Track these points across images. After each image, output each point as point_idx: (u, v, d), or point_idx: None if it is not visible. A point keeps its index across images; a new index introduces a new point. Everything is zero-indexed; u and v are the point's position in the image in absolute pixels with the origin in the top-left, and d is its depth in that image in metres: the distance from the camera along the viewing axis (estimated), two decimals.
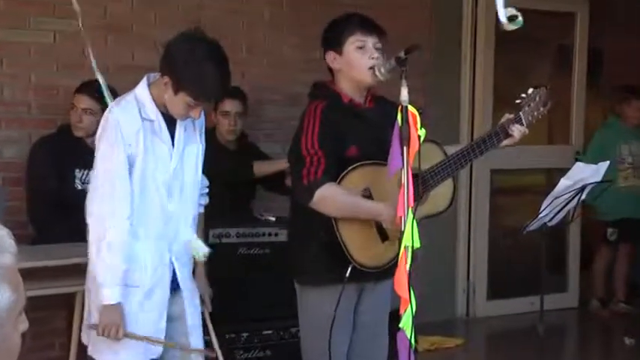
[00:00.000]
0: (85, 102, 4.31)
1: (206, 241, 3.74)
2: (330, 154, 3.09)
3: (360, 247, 3.11)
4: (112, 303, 2.97)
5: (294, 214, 3.34)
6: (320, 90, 3.31)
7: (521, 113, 3.23)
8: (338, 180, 3.08)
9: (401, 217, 2.69)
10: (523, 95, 3.26)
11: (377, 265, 3.15)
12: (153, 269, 3.08)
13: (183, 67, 2.92)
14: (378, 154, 3.03)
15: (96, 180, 3.03)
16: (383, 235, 3.14)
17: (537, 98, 3.26)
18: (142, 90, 3.06)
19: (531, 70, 6.74)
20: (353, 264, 3.08)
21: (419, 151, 2.71)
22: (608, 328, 6.35)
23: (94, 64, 3.10)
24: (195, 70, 2.92)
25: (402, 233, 2.67)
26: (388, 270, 3.03)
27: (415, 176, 2.79)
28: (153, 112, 3.03)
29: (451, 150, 3.24)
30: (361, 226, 3.12)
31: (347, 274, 3.07)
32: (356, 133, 3.17)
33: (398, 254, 2.90)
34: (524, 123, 3.22)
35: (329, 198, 3.06)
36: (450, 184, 3.29)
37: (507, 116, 3.25)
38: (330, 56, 3.25)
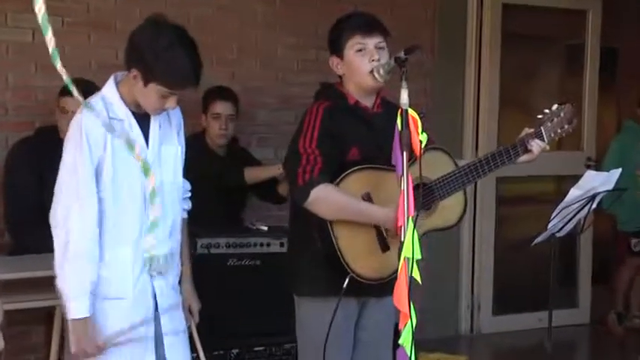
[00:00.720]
0: (75, 104, 4.32)
1: (194, 251, 3.77)
2: (328, 154, 3.12)
3: (359, 257, 3.13)
4: (80, 317, 2.94)
5: (293, 220, 3.37)
6: (326, 90, 3.35)
7: (542, 128, 3.25)
8: (336, 182, 3.11)
9: (401, 227, 2.71)
10: (546, 110, 3.29)
11: (377, 277, 3.16)
12: (134, 279, 3.06)
13: (151, 56, 2.89)
14: (382, 159, 3.05)
15: (59, 188, 3.00)
16: (384, 244, 3.15)
17: (562, 114, 3.29)
18: (109, 89, 3.05)
19: (540, 72, 6.77)
20: (351, 275, 3.10)
21: (420, 157, 2.73)
22: (621, 345, 6.35)
23: (58, 65, 3.13)
24: (164, 56, 2.88)
25: (401, 243, 2.69)
26: (392, 285, 3.06)
27: (419, 186, 2.81)
28: (122, 111, 3.02)
29: (462, 162, 3.28)
30: (360, 234, 3.13)
31: (344, 286, 3.09)
32: (359, 136, 3.20)
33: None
34: (545, 139, 3.25)
35: (325, 198, 3.08)
36: (460, 198, 3.31)
37: (527, 130, 3.27)
38: (333, 62, 3.29)
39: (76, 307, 2.94)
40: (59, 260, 2.96)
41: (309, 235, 3.18)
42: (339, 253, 3.10)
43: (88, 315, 2.94)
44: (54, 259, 2.98)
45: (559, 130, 3.29)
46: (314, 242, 3.17)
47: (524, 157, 3.25)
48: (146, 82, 2.93)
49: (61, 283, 2.96)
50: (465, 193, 3.34)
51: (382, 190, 3.11)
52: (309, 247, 3.21)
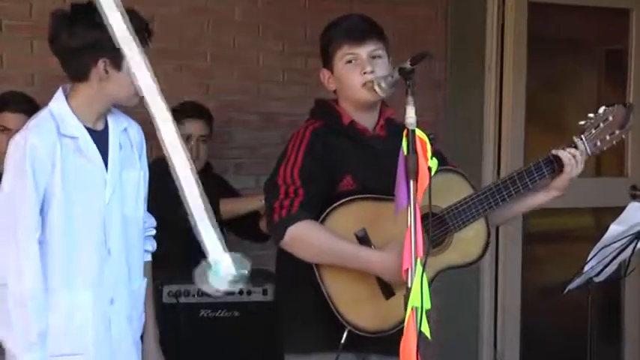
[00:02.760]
0: (13, 120, 4.32)
1: (159, 300, 3.77)
2: (313, 185, 3.15)
3: (355, 305, 3.14)
4: None
5: (279, 263, 3.39)
6: (319, 108, 3.38)
7: (583, 137, 3.25)
8: (322, 217, 3.13)
9: (407, 270, 2.72)
10: (591, 115, 3.29)
11: (379, 328, 3.17)
12: (94, 331, 3.08)
13: (103, 32, 2.96)
14: (382, 189, 3.07)
15: None
16: (387, 289, 3.16)
17: (610, 118, 3.28)
18: (58, 103, 3.10)
19: (574, 81, 6.79)
20: (349, 328, 3.11)
21: (429, 186, 2.74)
22: None
23: None
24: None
25: (408, 290, 2.70)
26: (398, 340, 3.07)
27: (427, 216, 2.82)
28: (75, 128, 3.07)
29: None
30: (355, 277, 3.14)
31: (342, 340, 3.10)
32: (354, 162, 3.22)
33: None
34: (587, 150, 3.25)
35: (303, 238, 3.11)
36: (481, 228, 3.32)
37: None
38: (325, 76, 3.33)
39: None
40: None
41: (300, 280, 3.19)
42: (329, 301, 3.11)
43: None
44: None
45: (607, 137, 3.26)
46: (305, 289, 3.18)
47: (561, 179, 3.25)
48: (119, 63, 2.97)
49: (3, 333, 2.99)
50: (486, 222, 3.34)
51: (382, 226, 3.13)
52: (299, 295, 3.23)
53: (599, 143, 3.24)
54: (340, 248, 3.11)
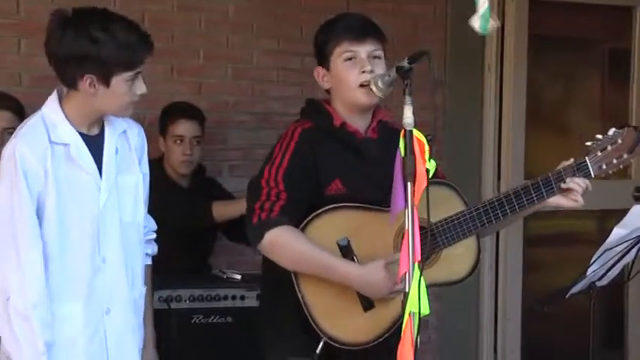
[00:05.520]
0: (4, 119, 4.33)
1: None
2: (296, 189, 3.14)
3: (332, 315, 3.14)
4: None
5: (264, 266, 3.37)
6: (310, 108, 3.37)
7: (587, 159, 3.22)
8: (305, 222, 3.13)
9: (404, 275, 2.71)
10: (599, 136, 3.25)
11: (355, 341, 3.17)
12: (85, 343, 3.08)
13: (96, 47, 2.98)
14: (372, 196, 3.07)
15: None
16: (366, 300, 3.16)
17: (619, 141, 3.24)
18: (51, 108, 3.10)
19: (576, 82, 6.79)
20: (324, 338, 3.11)
21: (427, 192, 2.71)
22: None
23: None
24: (107, 39, 2.98)
25: (406, 295, 2.70)
26: (379, 353, 3.07)
27: (420, 229, 2.81)
28: (68, 134, 3.06)
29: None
30: (333, 287, 3.14)
31: (317, 351, 3.10)
32: (344, 166, 3.21)
33: (388, 330, 2.95)
34: (591, 173, 3.22)
35: (281, 244, 3.11)
36: (471, 245, 3.30)
37: (566, 163, 3.26)
38: (319, 74, 3.32)
39: None
40: (1, 322, 2.98)
41: (281, 285, 3.19)
42: (305, 310, 3.11)
43: None
44: None
45: (615, 161, 3.24)
46: (285, 294, 3.18)
47: (558, 200, 3.22)
48: (107, 79, 2.98)
49: (8, 346, 2.99)
50: (477, 240, 3.33)
51: (367, 237, 3.13)
52: (280, 301, 3.23)
53: (604, 166, 3.21)
54: (319, 258, 3.11)
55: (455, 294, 5.56)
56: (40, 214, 2.99)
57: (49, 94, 3.19)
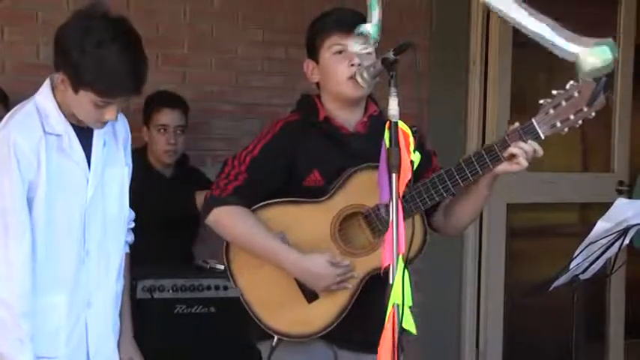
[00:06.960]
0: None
1: (133, 295, 3.76)
2: (257, 175, 3.21)
3: (270, 306, 3.21)
4: None
5: None
6: (301, 101, 3.41)
7: (533, 120, 3.02)
8: (254, 208, 3.20)
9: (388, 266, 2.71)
10: (554, 92, 3.05)
11: (300, 333, 3.21)
12: (67, 334, 3.08)
13: (77, 57, 2.88)
14: None
15: None
16: (308, 292, 3.20)
17: (575, 94, 3.00)
18: (44, 96, 3.05)
19: (561, 74, 6.76)
20: (269, 332, 3.20)
21: (411, 181, 2.70)
22: None
23: None
24: (92, 57, 2.86)
25: (390, 286, 2.70)
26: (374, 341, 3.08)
27: (369, 214, 2.98)
28: (60, 125, 3.03)
29: None
30: (273, 279, 3.20)
31: (273, 344, 3.19)
32: (324, 158, 3.24)
33: (338, 318, 3.08)
34: (540, 134, 3.03)
35: (224, 223, 3.21)
36: (418, 225, 3.15)
37: (510, 128, 3.09)
38: (308, 66, 3.33)
39: None
40: None
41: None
42: (247, 307, 3.21)
43: None
44: None
45: (572, 117, 2.98)
46: None
47: (504, 167, 3.07)
48: (76, 89, 2.93)
49: None
50: (423, 221, 3.25)
51: (303, 230, 3.18)
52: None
53: (558, 124, 2.99)
54: (259, 241, 3.18)
55: (437, 285, 5.59)
56: (29, 204, 2.97)
57: (33, 81, 3.17)
